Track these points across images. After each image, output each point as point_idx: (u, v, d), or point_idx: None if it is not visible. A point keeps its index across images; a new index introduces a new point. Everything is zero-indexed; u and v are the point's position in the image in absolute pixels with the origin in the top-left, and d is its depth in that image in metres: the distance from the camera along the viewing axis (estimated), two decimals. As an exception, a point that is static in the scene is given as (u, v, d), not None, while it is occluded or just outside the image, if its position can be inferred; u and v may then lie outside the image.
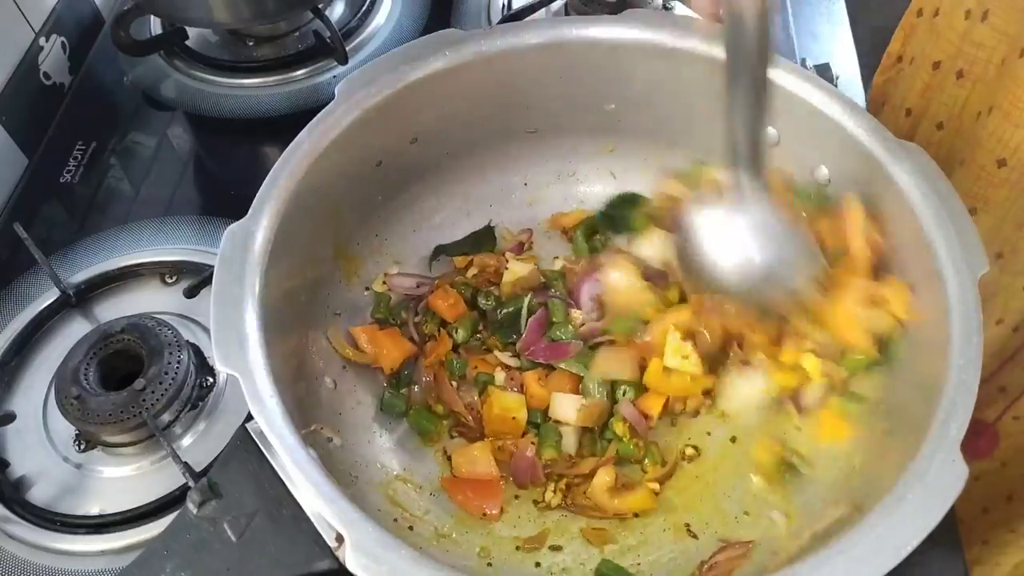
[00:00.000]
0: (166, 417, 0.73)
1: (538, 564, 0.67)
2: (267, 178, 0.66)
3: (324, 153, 0.69)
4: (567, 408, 0.73)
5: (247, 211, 0.65)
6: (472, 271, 0.82)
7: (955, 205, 0.64)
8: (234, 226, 0.64)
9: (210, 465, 0.72)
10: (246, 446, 0.59)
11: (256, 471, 0.58)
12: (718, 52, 0.72)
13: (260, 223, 0.64)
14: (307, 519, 0.56)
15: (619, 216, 0.83)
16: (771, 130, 0.75)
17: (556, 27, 0.77)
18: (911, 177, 0.66)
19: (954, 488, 0.53)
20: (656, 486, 0.70)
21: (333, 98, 0.71)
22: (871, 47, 1.09)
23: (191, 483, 0.68)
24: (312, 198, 0.69)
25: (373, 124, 0.72)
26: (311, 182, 0.68)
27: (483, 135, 0.82)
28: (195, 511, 0.57)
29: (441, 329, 0.79)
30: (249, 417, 0.57)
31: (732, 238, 0.65)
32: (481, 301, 0.80)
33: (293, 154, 0.68)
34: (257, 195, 0.65)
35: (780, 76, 0.71)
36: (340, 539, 0.54)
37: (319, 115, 0.70)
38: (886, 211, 0.68)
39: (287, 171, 0.67)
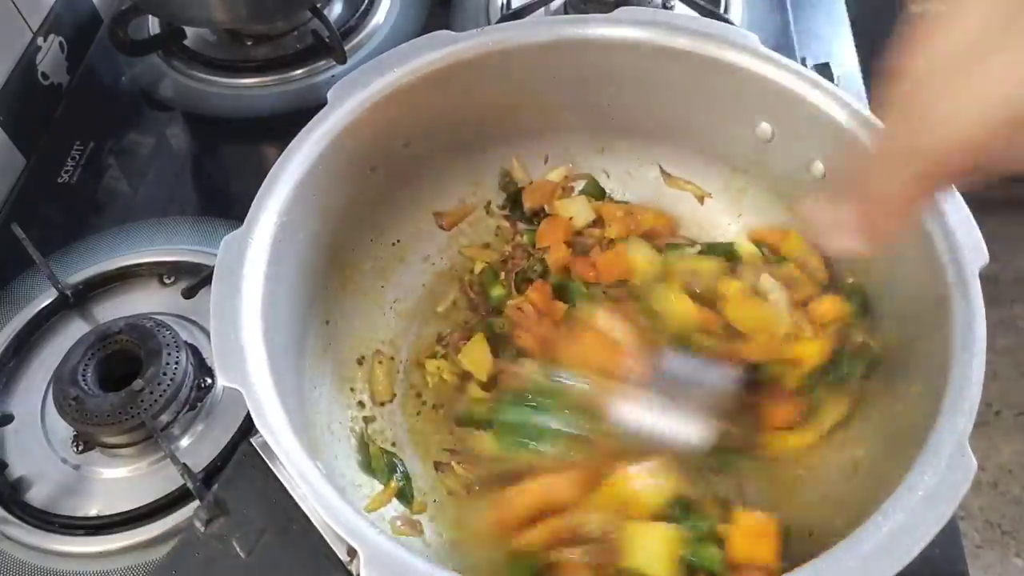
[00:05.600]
0: (164, 418, 0.73)
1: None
2: (262, 187, 0.65)
3: (317, 160, 0.68)
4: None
5: (245, 211, 0.64)
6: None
7: (953, 197, 0.64)
8: (231, 235, 0.63)
9: (209, 467, 0.72)
10: (252, 461, 0.57)
11: (263, 486, 0.56)
12: (714, 51, 0.73)
13: (257, 232, 0.63)
14: (317, 534, 0.55)
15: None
16: (765, 126, 0.75)
17: (551, 26, 0.76)
18: None
19: (964, 482, 0.52)
20: None
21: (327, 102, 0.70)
22: (871, 47, 1.09)
23: (190, 484, 0.67)
24: (307, 205, 0.68)
25: (366, 129, 0.71)
26: (306, 190, 0.67)
27: (477, 137, 0.82)
28: (202, 529, 0.56)
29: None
30: (253, 431, 0.56)
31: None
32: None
33: (286, 162, 0.67)
34: (252, 204, 0.65)
35: (774, 72, 0.71)
36: (352, 553, 0.53)
37: (311, 121, 0.69)
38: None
39: (281, 179, 0.66)
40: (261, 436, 0.55)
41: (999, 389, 1.99)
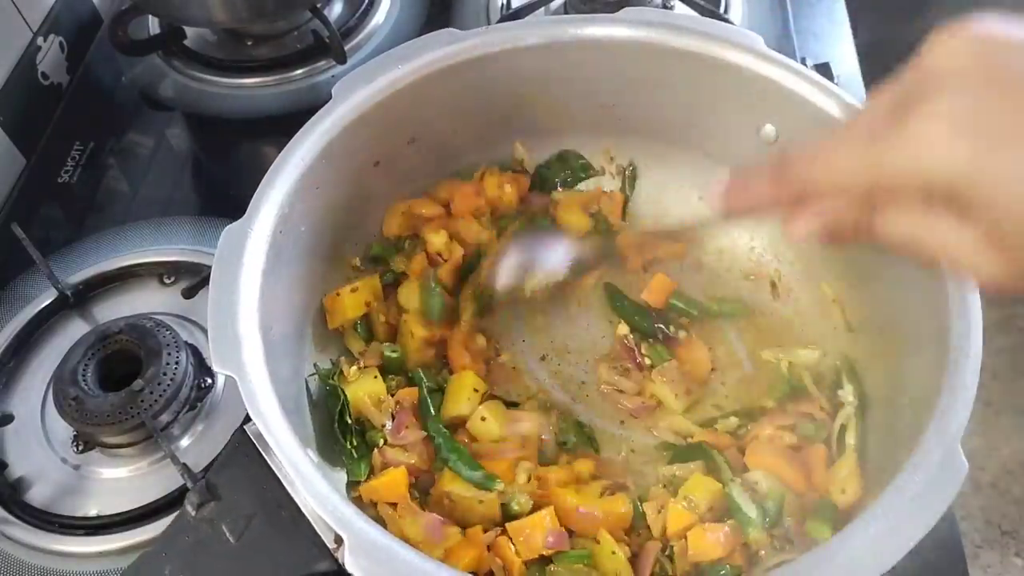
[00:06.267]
0: (164, 418, 0.73)
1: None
2: (264, 178, 0.66)
3: (321, 154, 0.68)
4: None
5: (245, 211, 0.64)
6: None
7: None
8: (231, 226, 0.64)
9: (209, 466, 0.72)
10: (244, 448, 0.58)
11: (255, 473, 0.57)
12: (718, 51, 0.73)
13: (257, 223, 0.64)
14: (306, 520, 0.56)
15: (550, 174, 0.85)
16: (769, 127, 0.75)
17: (552, 26, 0.77)
18: None
19: (955, 483, 0.53)
20: None
21: (331, 98, 0.71)
22: (871, 47, 1.09)
23: (189, 484, 0.67)
24: (309, 199, 0.69)
25: (370, 125, 0.72)
26: (308, 183, 0.68)
27: (480, 135, 0.82)
28: (194, 513, 0.57)
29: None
30: (247, 419, 0.57)
31: None
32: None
33: (290, 155, 0.67)
34: (254, 195, 0.65)
35: (778, 73, 0.71)
36: (339, 540, 0.54)
37: (316, 116, 0.69)
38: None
39: (284, 172, 0.66)
40: (254, 424, 0.56)
41: (999, 389, 1.99)
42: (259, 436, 0.57)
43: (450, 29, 0.75)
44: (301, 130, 0.69)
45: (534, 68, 0.77)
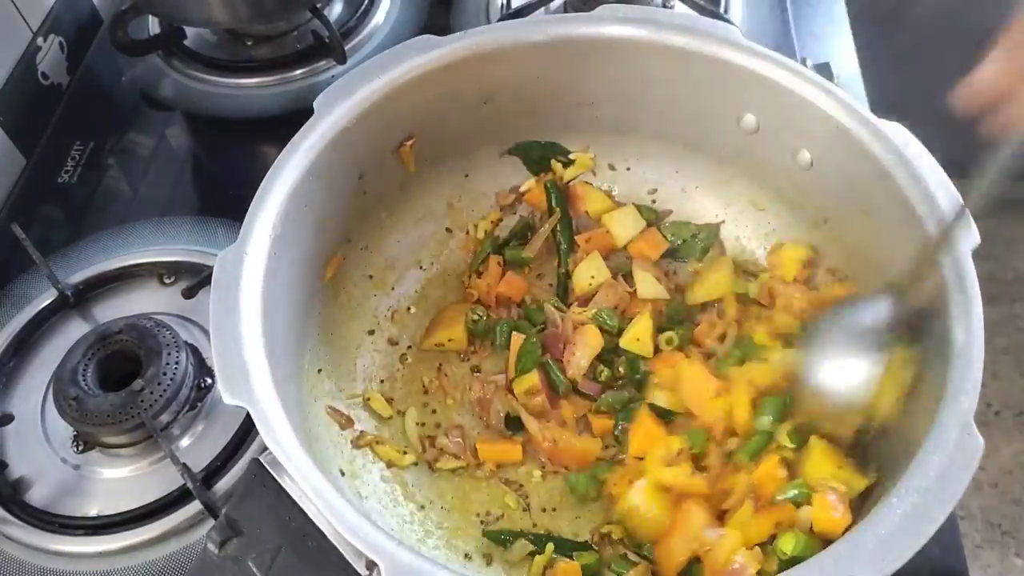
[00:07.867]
0: (164, 418, 0.73)
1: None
2: (253, 201, 0.65)
3: (307, 171, 0.68)
4: None
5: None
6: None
7: (941, 181, 0.64)
8: (225, 252, 0.62)
9: (209, 467, 0.72)
10: (262, 479, 0.56)
11: (275, 504, 0.55)
12: (696, 44, 0.73)
13: (251, 247, 0.63)
14: (334, 548, 0.54)
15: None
16: (750, 117, 0.75)
17: (527, 28, 0.77)
18: (895, 156, 0.66)
19: (972, 460, 0.53)
20: None
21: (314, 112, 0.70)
22: (871, 47, 1.09)
23: (190, 484, 0.67)
24: (299, 218, 0.68)
25: (353, 137, 0.71)
26: (297, 202, 0.67)
27: (463, 141, 0.81)
28: (217, 551, 0.55)
29: None
30: (264, 450, 0.55)
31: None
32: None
33: (277, 174, 0.67)
34: (245, 219, 0.64)
35: (756, 63, 0.72)
36: (371, 566, 0.52)
37: (299, 132, 0.69)
38: (871, 192, 0.68)
39: (272, 192, 0.66)
40: (270, 453, 0.55)
41: (999, 389, 1.98)
42: (275, 464, 0.55)
43: (427, 36, 0.75)
44: (285, 148, 0.68)
45: (512, 70, 0.76)
